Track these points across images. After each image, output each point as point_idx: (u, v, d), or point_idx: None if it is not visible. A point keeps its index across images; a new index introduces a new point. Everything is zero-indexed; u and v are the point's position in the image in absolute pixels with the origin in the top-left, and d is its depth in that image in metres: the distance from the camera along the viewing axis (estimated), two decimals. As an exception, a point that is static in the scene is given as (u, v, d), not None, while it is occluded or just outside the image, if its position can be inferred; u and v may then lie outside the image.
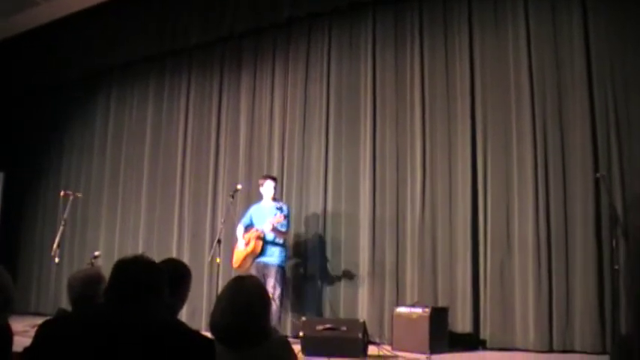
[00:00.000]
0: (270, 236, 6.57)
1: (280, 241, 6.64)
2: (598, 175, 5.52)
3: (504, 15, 6.43)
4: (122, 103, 9.57)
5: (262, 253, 6.56)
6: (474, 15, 6.61)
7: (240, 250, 6.65)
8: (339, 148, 7.29)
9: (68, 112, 10.16)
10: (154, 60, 9.18)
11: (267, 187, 6.82)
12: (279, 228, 6.53)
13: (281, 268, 6.61)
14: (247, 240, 6.63)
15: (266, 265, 6.54)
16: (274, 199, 6.86)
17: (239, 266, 6.64)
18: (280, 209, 6.59)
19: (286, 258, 6.80)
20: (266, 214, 6.60)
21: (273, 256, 6.58)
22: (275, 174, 7.50)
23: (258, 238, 6.55)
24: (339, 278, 7.05)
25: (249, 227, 6.79)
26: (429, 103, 6.74)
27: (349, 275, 6.97)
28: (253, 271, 6.48)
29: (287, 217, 6.60)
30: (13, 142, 10.68)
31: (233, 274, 6.47)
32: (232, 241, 6.92)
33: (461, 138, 6.47)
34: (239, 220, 6.98)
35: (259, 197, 6.94)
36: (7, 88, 10.67)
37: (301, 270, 7.33)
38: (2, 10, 9.62)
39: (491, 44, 6.47)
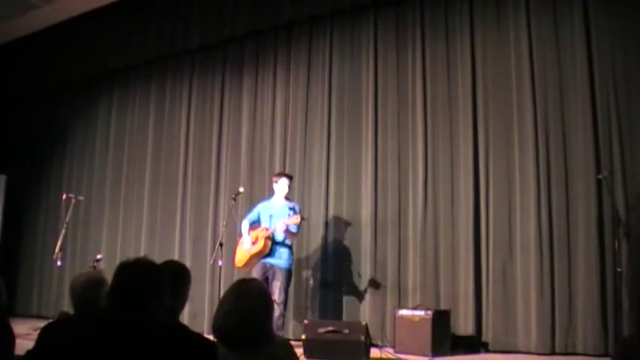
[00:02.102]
0: (280, 237, 6.29)
1: (289, 242, 6.40)
2: (600, 176, 5.52)
3: (506, 16, 6.43)
4: (124, 106, 9.58)
5: (270, 253, 6.27)
6: (475, 16, 6.62)
7: (246, 248, 6.34)
8: (341, 149, 7.28)
9: (70, 114, 10.18)
10: (156, 62, 9.18)
11: (282, 185, 6.52)
12: (291, 229, 6.28)
13: (288, 272, 6.33)
14: (255, 238, 6.31)
15: (272, 267, 6.26)
16: (286, 198, 6.59)
17: (244, 265, 6.37)
18: (293, 209, 6.39)
19: (293, 261, 6.54)
20: (276, 213, 6.38)
21: (282, 259, 6.29)
22: (277, 176, 7.52)
23: (268, 238, 6.26)
24: (340, 280, 7.04)
25: (254, 224, 6.53)
26: (431, 105, 6.74)
27: (351, 277, 6.97)
28: (255, 270, 6.26)
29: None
30: (15, 145, 10.69)
31: (235, 277, 6.46)
32: (234, 242, 6.73)
33: (463, 139, 6.46)
34: (242, 218, 6.78)
35: (261, 198, 6.89)
36: (9, 91, 10.69)
37: (303, 272, 7.33)
38: (4, 13, 9.64)
39: (493, 45, 6.47)
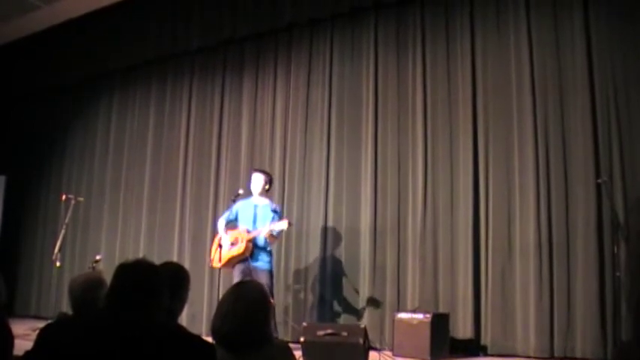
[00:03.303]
0: (262, 240, 6.17)
1: (270, 247, 6.29)
2: (599, 180, 5.53)
3: (506, 20, 6.44)
4: (124, 107, 9.59)
5: (251, 256, 6.12)
6: (475, 20, 6.62)
7: (225, 250, 6.18)
8: (341, 152, 7.29)
9: (70, 115, 10.18)
10: (156, 64, 9.19)
11: (254, 182, 6.41)
12: (274, 233, 6.15)
13: (270, 273, 6.25)
14: (234, 239, 6.15)
15: (255, 269, 6.12)
16: (268, 197, 6.51)
17: (223, 266, 6.22)
18: (275, 211, 6.29)
19: (273, 263, 6.45)
20: (257, 214, 6.26)
21: (263, 261, 6.19)
22: (276, 178, 7.48)
23: (250, 241, 6.11)
24: (339, 283, 7.04)
25: (230, 223, 6.39)
26: (431, 108, 6.74)
27: (350, 280, 6.96)
28: (237, 273, 6.15)
29: (280, 218, 6.26)
30: (15, 146, 10.69)
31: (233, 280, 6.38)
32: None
33: (462, 143, 6.47)
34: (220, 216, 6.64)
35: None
36: (9, 91, 10.70)
37: (302, 275, 7.32)
38: (3, 13, 9.65)
39: (493, 49, 6.48)
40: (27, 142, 10.62)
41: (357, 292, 6.89)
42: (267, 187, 6.48)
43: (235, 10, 8.10)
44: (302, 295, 7.29)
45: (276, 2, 7.72)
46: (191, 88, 8.83)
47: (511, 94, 6.26)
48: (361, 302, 6.84)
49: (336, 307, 7.01)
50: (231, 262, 6.21)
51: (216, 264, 6.29)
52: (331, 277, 7.11)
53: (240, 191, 6.81)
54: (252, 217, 6.29)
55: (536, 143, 6.03)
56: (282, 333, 6.97)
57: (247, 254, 6.12)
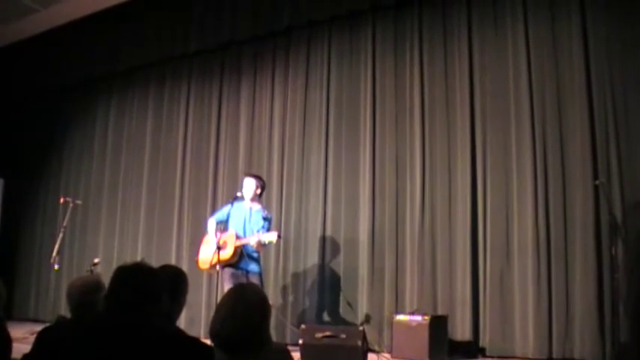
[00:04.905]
0: (252, 248, 6.15)
1: (257, 255, 6.25)
2: (597, 181, 5.53)
3: (504, 22, 6.45)
4: (122, 110, 9.58)
5: (239, 261, 6.10)
6: (473, 22, 6.64)
7: (212, 250, 6.09)
8: (339, 154, 7.29)
9: (68, 118, 10.17)
10: (154, 67, 9.19)
11: (246, 186, 6.39)
12: (263, 242, 6.04)
13: (261, 276, 6.26)
14: (223, 244, 6.09)
15: (246, 273, 6.13)
16: (260, 203, 6.51)
17: (208, 268, 6.20)
18: (265, 219, 6.24)
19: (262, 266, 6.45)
20: (250, 219, 6.27)
21: (253, 265, 6.19)
22: (274, 180, 7.49)
23: (238, 247, 6.06)
24: (338, 285, 7.04)
25: (220, 224, 6.37)
26: (429, 110, 6.75)
27: (348, 282, 6.96)
28: (227, 276, 6.10)
29: (269, 227, 6.23)
30: (13, 149, 10.68)
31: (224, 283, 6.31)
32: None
33: (460, 145, 6.47)
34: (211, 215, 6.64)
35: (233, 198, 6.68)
36: (7, 94, 10.68)
37: (300, 277, 7.32)
38: (2, 16, 9.64)
39: (491, 51, 6.49)
40: (25, 144, 10.61)
41: (355, 294, 6.88)
42: (258, 191, 6.45)
43: (234, 13, 8.10)
44: (300, 298, 7.29)
45: (275, 5, 7.72)
46: (189, 90, 8.82)
47: (509, 96, 6.27)
48: (360, 304, 6.83)
49: (335, 309, 7.00)
50: (217, 266, 6.11)
51: (202, 265, 6.27)
52: (329, 278, 7.11)
53: (239, 194, 6.79)
54: (243, 220, 6.29)
55: (534, 144, 6.04)
56: (280, 335, 6.97)
57: (234, 260, 6.08)
